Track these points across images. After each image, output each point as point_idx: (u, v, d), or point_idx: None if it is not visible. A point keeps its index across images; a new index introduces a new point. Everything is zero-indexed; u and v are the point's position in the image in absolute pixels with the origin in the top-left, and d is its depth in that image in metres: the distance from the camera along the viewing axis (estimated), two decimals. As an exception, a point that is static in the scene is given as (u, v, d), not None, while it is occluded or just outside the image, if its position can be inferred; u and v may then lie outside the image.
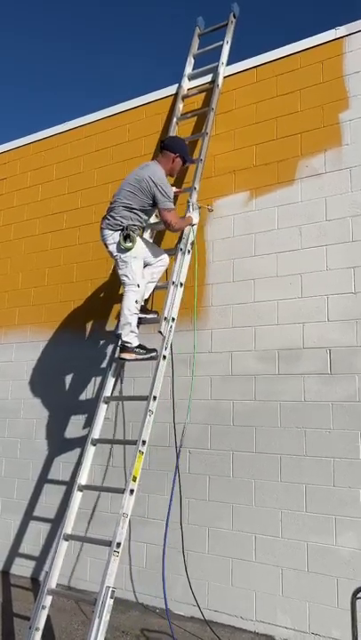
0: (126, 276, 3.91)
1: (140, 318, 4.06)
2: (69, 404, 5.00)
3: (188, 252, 4.17)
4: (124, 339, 3.87)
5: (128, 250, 3.85)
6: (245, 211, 4.37)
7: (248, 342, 4.16)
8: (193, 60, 5.09)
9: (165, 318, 3.86)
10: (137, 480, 3.45)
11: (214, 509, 4.06)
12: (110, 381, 4.08)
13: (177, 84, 4.96)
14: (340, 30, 4.21)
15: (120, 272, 3.96)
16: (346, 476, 3.64)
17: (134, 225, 3.93)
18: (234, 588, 3.90)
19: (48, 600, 3.41)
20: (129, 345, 3.88)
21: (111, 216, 3.94)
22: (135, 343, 3.90)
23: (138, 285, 3.90)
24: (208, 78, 4.84)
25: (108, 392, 4.04)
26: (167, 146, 4.11)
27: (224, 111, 4.63)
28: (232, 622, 3.86)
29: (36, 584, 4.67)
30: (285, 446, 3.87)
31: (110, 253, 3.98)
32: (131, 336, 3.88)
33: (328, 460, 3.71)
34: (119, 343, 3.93)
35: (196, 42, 5.14)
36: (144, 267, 4.06)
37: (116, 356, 3.98)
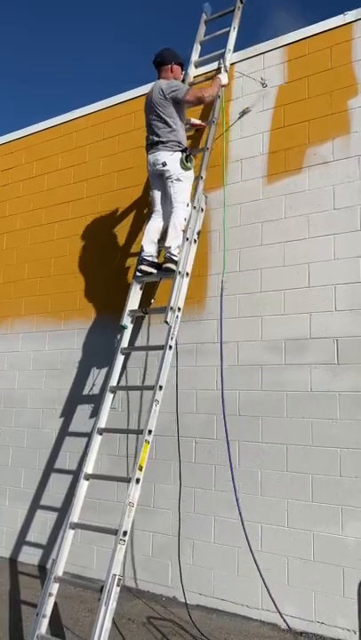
0: (178, 193, 4.06)
1: (144, 309, 4.16)
2: (76, 393, 5.01)
3: (195, 241, 4.14)
4: (173, 251, 4.01)
5: (188, 169, 4.09)
6: (252, 199, 4.33)
7: (254, 332, 4.14)
8: (199, 47, 5.02)
9: (172, 308, 3.84)
10: (143, 469, 3.45)
11: (220, 499, 4.06)
12: (117, 371, 4.08)
13: (183, 72, 4.91)
14: (349, 15, 4.13)
15: (172, 190, 4.09)
16: (352, 466, 3.62)
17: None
18: (240, 577, 3.91)
19: (55, 587, 3.44)
20: (175, 257, 4.00)
21: (161, 140, 4.11)
22: (178, 257, 4.02)
23: (187, 204, 4.08)
24: (215, 65, 4.77)
25: (114, 382, 4.04)
26: (160, 62, 4.31)
27: (231, 98, 4.57)
28: (238, 611, 3.87)
29: (43, 572, 4.71)
30: (291, 436, 3.86)
31: (163, 173, 4.09)
32: (177, 250, 4.02)
33: (334, 450, 3.70)
34: (166, 255, 4.04)
35: (202, 28, 5.07)
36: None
37: (164, 266, 4.07)
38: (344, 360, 3.77)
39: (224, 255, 4.30)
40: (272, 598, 3.59)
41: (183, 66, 4.48)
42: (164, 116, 4.12)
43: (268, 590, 3.61)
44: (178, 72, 4.38)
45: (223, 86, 4.45)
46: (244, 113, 4.45)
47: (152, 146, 4.18)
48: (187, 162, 4.09)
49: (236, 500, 3.78)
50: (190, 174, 4.15)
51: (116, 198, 5.13)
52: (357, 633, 3.40)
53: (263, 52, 4.49)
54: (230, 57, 4.65)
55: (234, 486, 3.79)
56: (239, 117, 4.48)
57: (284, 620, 3.59)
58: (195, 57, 4.95)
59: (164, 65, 4.31)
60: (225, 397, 4.17)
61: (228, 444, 3.88)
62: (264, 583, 3.63)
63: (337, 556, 3.59)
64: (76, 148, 5.54)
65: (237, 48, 4.69)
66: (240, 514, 3.74)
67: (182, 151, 4.11)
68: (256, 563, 3.64)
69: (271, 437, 3.94)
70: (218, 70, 4.66)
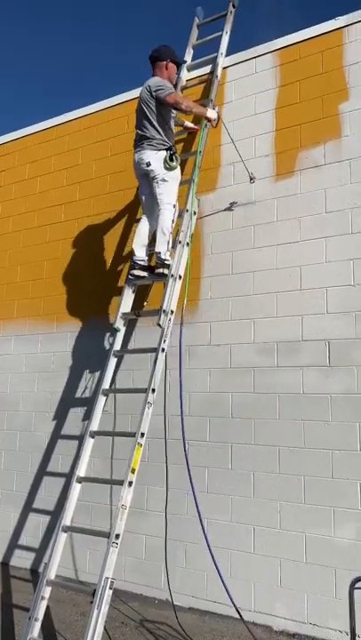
0: (164, 194, 4.02)
1: (137, 312, 4.16)
2: (68, 396, 5.01)
3: (188, 244, 4.16)
4: (163, 256, 4.01)
5: (172, 169, 4.02)
6: (244, 202, 4.35)
7: (247, 335, 4.15)
8: (192, 51, 5.06)
9: (164, 311, 3.85)
10: (136, 472, 3.45)
11: (213, 501, 4.07)
12: (109, 374, 4.08)
13: (176, 75, 4.92)
14: (340, 20, 4.17)
15: (157, 191, 4.04)
16: (344, 468, 3.64)
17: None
18: (232, 579, 3.91)
19: (47, 591, 3.42)
20: (167, 262, 4.01)
21: (147, 138, 4.07)
22: (170, 261, 4.02)
23: (174, 206, 4.03)
24: (207, 69, 4.80)
25: (106, 384, 4.04)
26: (156, 57, 4.25)
27: (224, 102, 4.60)
28: (231, 613, 3.87)
29: (35, 575, 4.69)
30: (284, 438, 3.88)
31: (148, 173, 4.05)
32: (167, 254, 4.03)
33: (327, 451, 3.72)
34: (157, 260, 4.05)
35: (195, 32, 5.10)
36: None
37: (156, 271, 4.08)
38: (336, 362, 3.79)
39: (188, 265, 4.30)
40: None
41: (179, 65, 4.45)
42: (149, 113, 4.08)
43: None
44: (172, 70, 4.32)
45: (207, 118, 4.28)
46: (231, 206, 4.37)
47: (138, 143, 4.15)
48: (171, 161, 4.02)
49: (195, 496, 3.83)
50: (176, 174, 4.10)
51: (108, 201, 5.14)
52: (349, 634, 3.41)
53: (255, 57, 4.52)
54: (222, 61, 4.67)
55: (192, 484, 3.77)
56: (226, 209, 4.39)
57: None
58: (187, 60, 4.97)
59: (160, 61, 4.25)
60: (220, 399, 4.18)
61: (184, 442, 3.86)
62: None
63: (329, 557, 3.60)
64: (69, 151, 5.54)
65: (230, 52, 4.72)
66: (198, 510, 3.73)
67: (167, 150, 4.05)
68: (211, 558, 3.63)
69: (264, 439, 3.95)
70: (211, 74, 4.67)
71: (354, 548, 3.54)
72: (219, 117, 4.35)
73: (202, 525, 3.70)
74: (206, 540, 3.65)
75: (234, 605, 3.55)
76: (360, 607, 2.86)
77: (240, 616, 3.55)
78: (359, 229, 3.86)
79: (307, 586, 3.65)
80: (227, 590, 3.55)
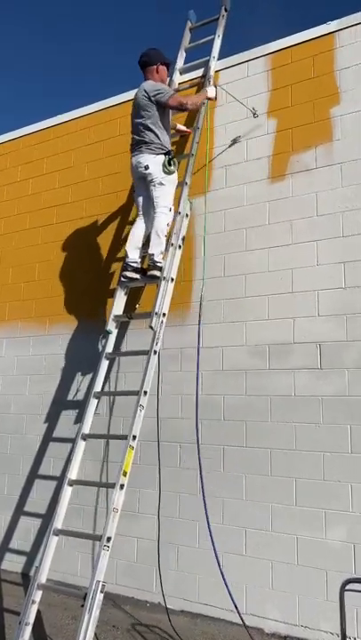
0: (160, 197, 4.04)
1: (129, 315, 4.18)
2: (60, 399, 4.99)
3: (180, 247, 4.16)
4: (156, 259, 4.01)
5: (171, 174, 4.05)
6: (237, 205, 4.36)
7: (239, 337, 4.16)
8: (184, 54, 5.07)
9: (156, 313, 3.85)
10: (127, 475, 3.44)
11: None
12: (101, 376, 4.07)
13: (169, 78, 4.94)
14: (332, 25, 4.20)
15: (154, 194, 4.06)
16: (335, 470, 3.66)
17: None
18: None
19: (38, 595, 3.41)
20: (160, 264, 4.00)
21: (145, 142, 4.08)
22: (162, 263, 4.02)
23: (170, 209, 4.05)
24: (199, 72, 4.82)
25: (98, 387, 4.04)
26: (145, 62, 4.29)
27: (216, 105, 4.61)
28: (222, 615, 3.87)
29: (26, 579, 4.66)
30: (276, 440, 3.88)
31: (145, 176, 4.07)
32: (160, 257, 4.03)
33: (318, 454, 3.73)
34: (150, 262, 4.04)
35: (187, 35, 5.12)
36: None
37: (149, 273, 4.07)
38: (327, 365, 3.81)
39: (204, 261, 4.32)
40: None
41: (169, 66, 4.48)
42: (147, 117, 4.10)
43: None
44: (164, 72, 4.36)
45: (209, 99, 4.44)
46: (235, 142, 4.43)
47: (135, 147, 4.17)
48: (169, 165, 4.05)
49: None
50: (173, 178, 4.14)
51: (101, 203, 5.14)
52: (340, 636, 3.42)
53: (247, 60, 4.54)
54: (215, 64, 4.69)
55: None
56: (230, 145, 4.46)
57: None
58: (180, 64, 4.99)
59: (150, 65, 4.27)
60: (212, 402, 4.18)
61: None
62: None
63: (320, 559, 3.61)
64: (62, 153, 5.54)
65: (222, 56, 4.73)
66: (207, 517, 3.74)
67: (165, 154, 4.08)
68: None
69: (255, 442, 3.96)
70: (203, 78, 4.69)
71: (345, 550, 3.55)
72: (215, 89, 4.50)
73: (209, 531, 3.71)
74: (213, 545, 3.67)
75: (237, 612, 3.55)
76: (351, 609, 2.87)
77: (243, 622, 3.55)
78: (350, 232, 3.88)
79: (298, 588, 3.66)
80: (231, 596, 3.55)
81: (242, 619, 3.55)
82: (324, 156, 4.07)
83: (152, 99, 4.08)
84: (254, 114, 4.33)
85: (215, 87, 4.50)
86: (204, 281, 4.34)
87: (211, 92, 4.45)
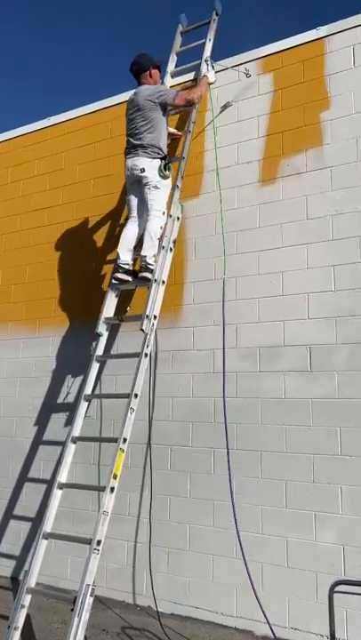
0: (155, 201, 4.07)
1: (120, 317, 4.19)
2: (50, 401, 4.97)
3: (171, 249, 4.17)
4: (149, 261, 4.04)
5: (166, 178, 4.11)
6: (228, 208, 4.38)
7: (230, 340, 4.17)
8: (176, 58, 5.08)
9: (147, 316, 3.85)
10: (118, 478, 3.44)
11: (195, 506, 4.06)
12: (91, 379, 4.07)
13: (161, 81, 4.94)
14: (322, 30, 4.24)
15: (149, 197, 4.09)
16: (325, 473, 3.67)
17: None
18: (214, 585, 3.91)
19: (27, 599, 3.39)
20: (151, 267, 4.03)
21: (143, 146, 4.11)
22: (154, 266, 4.05)
23: (163, 213, 4.09)
24: (191, 76, 4.83)
25: (89, 390, 4.03)
26: (138, 69, 4.34)
27: (207, 109, 4.63)
28: (213, 618, 3.87)
29: (15, 583, 4.63)
30: (266, 443, 3.89)
31: (140, 179, 4.09)
32: (153, 259, 4.06)
33: (308, 456, 3.74)
34: (142, 264, 4.05)
35: (178, 39, 5.13)
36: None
37: (140, 275, 4.09)
38: (317, 367, 3.83)
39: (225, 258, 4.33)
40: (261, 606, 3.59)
41: (160, 68, 4.52)
42: (148, 120, 4.13)
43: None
44: (157, 76, 4.42)
45: (210, 84, 4.49)
46: (225, 107, 4.48)
47: (131, 150, 4.18)
48: (165, 170, 4.11)
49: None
50: (168, 182, 4.17)
51: (92, 205, 5.13)
52: (329, 638, 3.43)
53: (238, 64, 4.56)
54: (206, 67, 4.70)
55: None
56: (221, 111, 4.52)
57: (272, 630, 3.60)
58: (171, 67, 5.00)
59: (143, 71, 4.34)
60: (202, 404, 4.19)
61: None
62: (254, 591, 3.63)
63: (310, 561, 3.62)
64: (53, 155, 5.53)
65: (213, 59, 4.74)
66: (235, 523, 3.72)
67: (162, 159, 4.12)
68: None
69: (246, 444, 3.97)
70: (195, 81, 4.71)
71: (335, 553, 3.56)
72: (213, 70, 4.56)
73: (238, 538, 3.67)
74: (243, 554, 3.63)
75: (265, 616, 3.49)
76: (340, 610, 2.88)
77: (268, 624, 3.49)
78: (340, 236, 3.91)
79: (288, 590, 3.66)
80: (260, 604, 3.51)
81: (271, 628, 3.48)
82: (315, 160, 4.10)
83: (156, 101, 4.11)
84: (247, 74, 4.40)
85: (213, 69, 4.54)
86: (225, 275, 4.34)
87: (211, 76, 4.49)
